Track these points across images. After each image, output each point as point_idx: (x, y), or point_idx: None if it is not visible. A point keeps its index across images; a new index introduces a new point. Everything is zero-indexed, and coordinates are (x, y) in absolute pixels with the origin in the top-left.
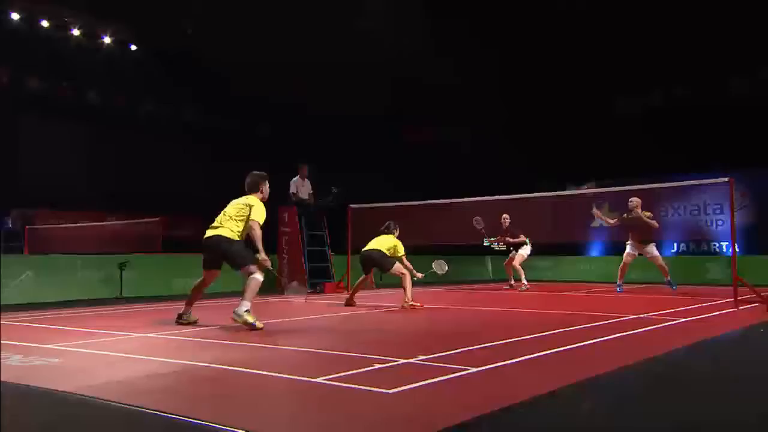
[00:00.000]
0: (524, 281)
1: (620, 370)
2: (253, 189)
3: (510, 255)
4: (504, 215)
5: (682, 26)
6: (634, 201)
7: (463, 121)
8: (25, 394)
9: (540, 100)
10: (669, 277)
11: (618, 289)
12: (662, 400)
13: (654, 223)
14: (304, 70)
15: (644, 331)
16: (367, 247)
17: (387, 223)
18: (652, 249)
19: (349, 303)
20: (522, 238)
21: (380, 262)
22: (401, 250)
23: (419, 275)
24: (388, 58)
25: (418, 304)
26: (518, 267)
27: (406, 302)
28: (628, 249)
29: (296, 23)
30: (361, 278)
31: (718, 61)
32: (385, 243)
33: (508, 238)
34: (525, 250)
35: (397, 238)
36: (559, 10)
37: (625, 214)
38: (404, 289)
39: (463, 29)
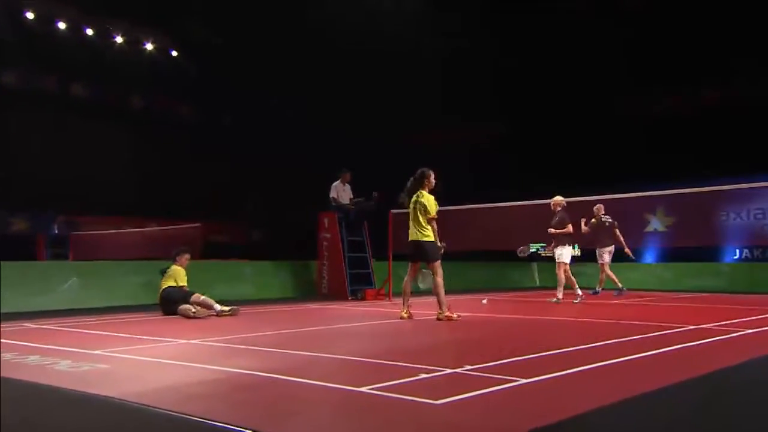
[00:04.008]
0: (560, 293)
1: (682, 384)
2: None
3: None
4: (556, 197)
5: (739, 20)
6: (601, 206)
7: (496, 119)
8: (76, 399)
9: (581, 100)
10: (601, 287)
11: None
12: (728, 415)
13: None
14: (338, 78)
15: (705, 342)
16: (412, 236)
17: (420, 171)
18: (609, 255)
19: (406, 317)
20: (568, 228)
21: (425, 253)
22: (433, 210)
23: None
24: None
25: (455, 315)
26: (562, 276)
27: (440, 313)
28: (603, 256)
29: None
30: (405, 280)
31: None
32: (422, 215)
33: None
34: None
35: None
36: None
37: (593, 220)
38: (437, 296)
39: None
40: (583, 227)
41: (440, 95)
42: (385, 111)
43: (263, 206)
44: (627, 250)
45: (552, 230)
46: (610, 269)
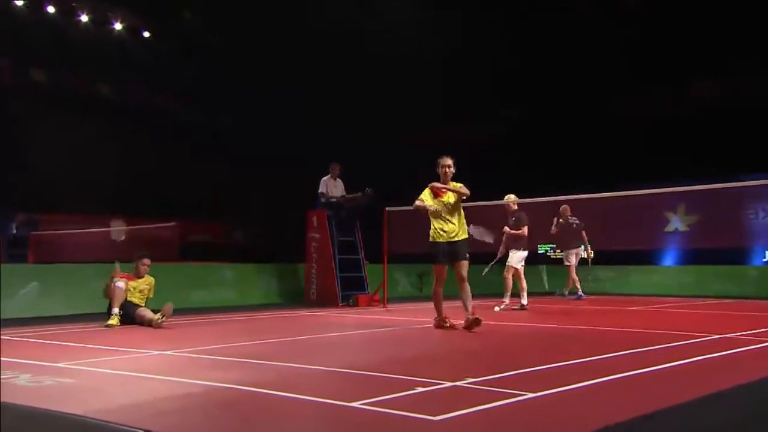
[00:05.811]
0: (507, 299)
1: (709, 399)
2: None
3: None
4: (509, 196)
5: (739, 20)
6: (567, 207)
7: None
8: (37, 417)
9: (581, 100)
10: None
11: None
12: None
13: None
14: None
15: (734, 353)
16: None
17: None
18: (575, 257)
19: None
20: (523, 231)
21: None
22: (422, 197)
23: (432, 208)
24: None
25: (447, 323)
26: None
27: (436, 320)
28: (569, 257)
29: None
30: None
31: None
32: None
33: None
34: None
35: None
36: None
37: (561, 220)
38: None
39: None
40: (553, 228)
41: (440, 95)
42: (385, 111)
43: (263, 206)
44: (589, 252)
45: (507, 229)
46: (576, 273)
